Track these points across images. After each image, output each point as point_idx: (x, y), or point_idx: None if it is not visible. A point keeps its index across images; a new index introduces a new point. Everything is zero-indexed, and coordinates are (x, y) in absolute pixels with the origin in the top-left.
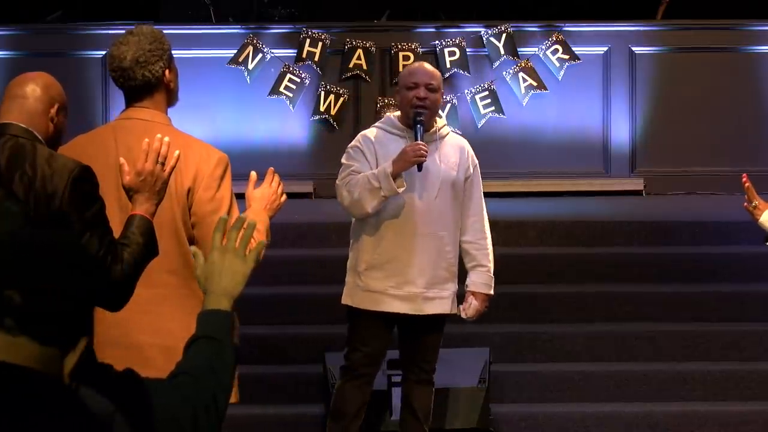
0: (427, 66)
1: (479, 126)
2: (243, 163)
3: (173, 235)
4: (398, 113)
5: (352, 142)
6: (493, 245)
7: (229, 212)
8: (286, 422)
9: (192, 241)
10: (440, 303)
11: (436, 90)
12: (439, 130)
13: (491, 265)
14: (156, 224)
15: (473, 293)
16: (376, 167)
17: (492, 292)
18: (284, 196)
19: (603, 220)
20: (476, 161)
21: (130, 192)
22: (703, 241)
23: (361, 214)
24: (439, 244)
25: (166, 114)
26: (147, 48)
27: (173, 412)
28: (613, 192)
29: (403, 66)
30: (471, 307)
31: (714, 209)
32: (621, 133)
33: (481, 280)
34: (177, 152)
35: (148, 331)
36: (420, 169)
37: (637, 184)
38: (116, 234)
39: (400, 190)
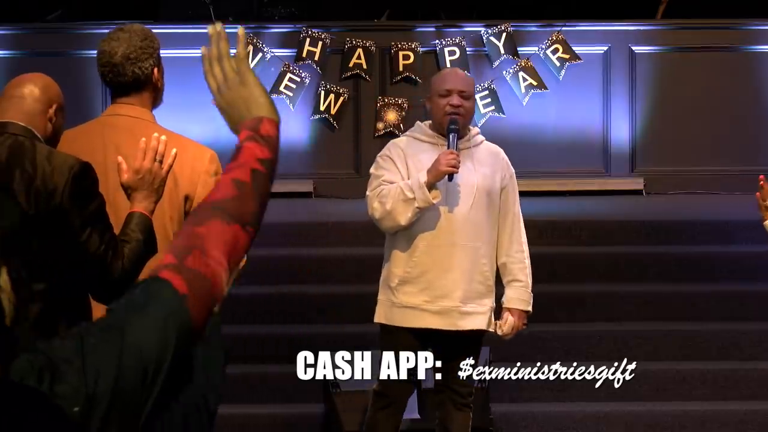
0: (460, 72)
1: (479, 125)
2: None
3: (164, 236)
4: (428, 121)
5: (382, 151)
6: None
7: None
8: (286, 422)
9: None
10: (477, 319)
11: (469, 97)
12: (473, 137)
13: (529, 280)
14: None
15: (509, 309)
16: (408, 177)
17: (530, 308)
18: None
19: (603, 220)
20: (512, 170)
21: (128, 190)
22: (703, 241)
23: (393, 226)
24: (474, 256)
25: (152, 112)
26: (138, 45)
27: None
28: (613, 192)
29: (403, 65)
30: (507, 323)
31: (714, 209)
32: (621, 132)
33: (518, 295)
34: (174, 150)
35: None
36: (451, 179)
37: (637, 183)
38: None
39: (435, 200)
